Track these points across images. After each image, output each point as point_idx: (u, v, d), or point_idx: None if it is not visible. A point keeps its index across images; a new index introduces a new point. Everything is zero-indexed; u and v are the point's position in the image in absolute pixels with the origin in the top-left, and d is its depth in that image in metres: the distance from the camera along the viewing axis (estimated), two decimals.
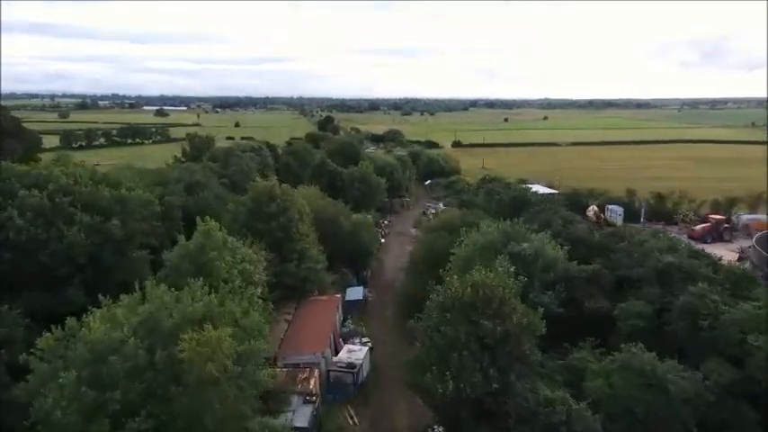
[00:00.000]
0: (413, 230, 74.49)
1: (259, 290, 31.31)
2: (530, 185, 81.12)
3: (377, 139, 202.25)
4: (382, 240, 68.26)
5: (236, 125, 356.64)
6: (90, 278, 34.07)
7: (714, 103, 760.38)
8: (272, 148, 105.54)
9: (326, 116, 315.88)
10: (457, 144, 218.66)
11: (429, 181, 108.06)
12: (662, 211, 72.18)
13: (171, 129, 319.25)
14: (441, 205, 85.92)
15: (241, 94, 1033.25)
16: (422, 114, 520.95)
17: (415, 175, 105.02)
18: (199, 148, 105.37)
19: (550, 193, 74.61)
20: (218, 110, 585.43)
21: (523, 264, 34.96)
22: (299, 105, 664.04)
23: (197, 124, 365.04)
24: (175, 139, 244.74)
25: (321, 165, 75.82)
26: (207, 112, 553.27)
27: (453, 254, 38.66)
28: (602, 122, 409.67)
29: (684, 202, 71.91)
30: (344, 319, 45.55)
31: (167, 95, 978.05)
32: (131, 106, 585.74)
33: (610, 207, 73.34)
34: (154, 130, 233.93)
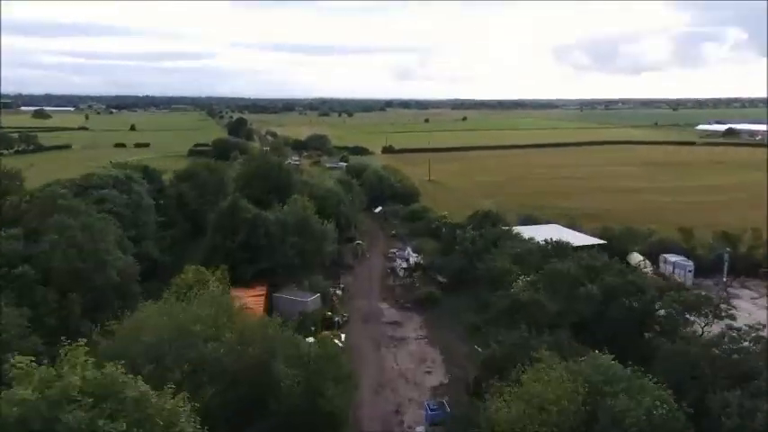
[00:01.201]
0: (384, 307, 46.32)
1: None
2: (538, 225, 56.47)
3: (299, 147, 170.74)
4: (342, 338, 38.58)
5: (132, 128, 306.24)
6: None
7: (608, 104, 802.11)
8: (153, 177, 66.92)
9: (238, 118, 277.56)
10: (389, 149, 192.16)
11: (380, 208, 79.42)
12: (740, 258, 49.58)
13: (48, 134, 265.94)
14: (410, 252, 58.35)
15: (142, 92, 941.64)
16: (339, 115, 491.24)
17: (360, 200, 75.63)
18: None
19: (589, 244, 49.45)
20: (113, 110, 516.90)
21: None
22: (208, 106, 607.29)
23: (83, 128, 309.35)
24: (50, 148, 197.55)
25: (232, 210, 45.20)
26: (99, 113, 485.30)
27: None
28: (518, 122, 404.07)
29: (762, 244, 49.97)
30: None
31: (54, 94, 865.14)
32: (6, 106, 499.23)
33: (672, 259, 50.13)
34: (17, 136, 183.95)
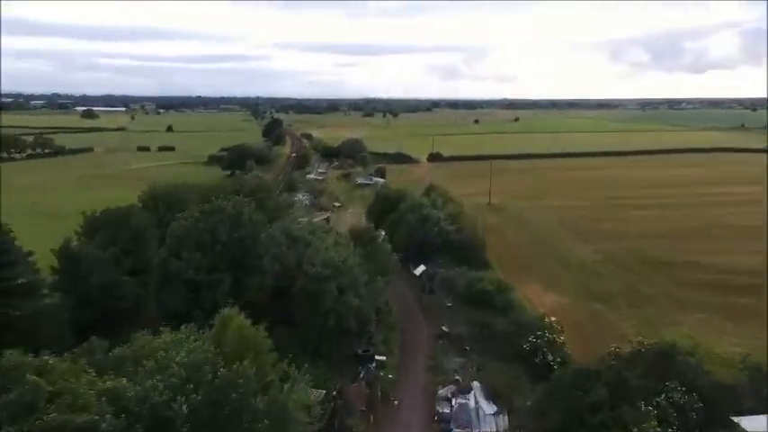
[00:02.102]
0: None
1: None
2: None
3: (330, 154, 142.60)
4: None
5: (169, 129, 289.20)
6: None
7: (671, 104, 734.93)
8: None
9: (272, 119, 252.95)
10: (435, 157, 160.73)
11: (422, 268, 47.94)
12: None
13: (85, 135, 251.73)
14: (483, 407, 27.65)
15: (195, 93, 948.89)
16: (384, 116, 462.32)
17: (389, 262, 43.75)
18: None
19: None
20: (161, 111, 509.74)
21: None
22: (254, 106, 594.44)
23: (121, 128, 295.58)
24: (70, 152, 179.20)
25: None
26: (147, 113, 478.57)
27: None
28: (577, 124, 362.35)
29: None
30: None
31: (114, 95, 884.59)
32: (61, 107, 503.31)
33: None
34: (31, 140, 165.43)
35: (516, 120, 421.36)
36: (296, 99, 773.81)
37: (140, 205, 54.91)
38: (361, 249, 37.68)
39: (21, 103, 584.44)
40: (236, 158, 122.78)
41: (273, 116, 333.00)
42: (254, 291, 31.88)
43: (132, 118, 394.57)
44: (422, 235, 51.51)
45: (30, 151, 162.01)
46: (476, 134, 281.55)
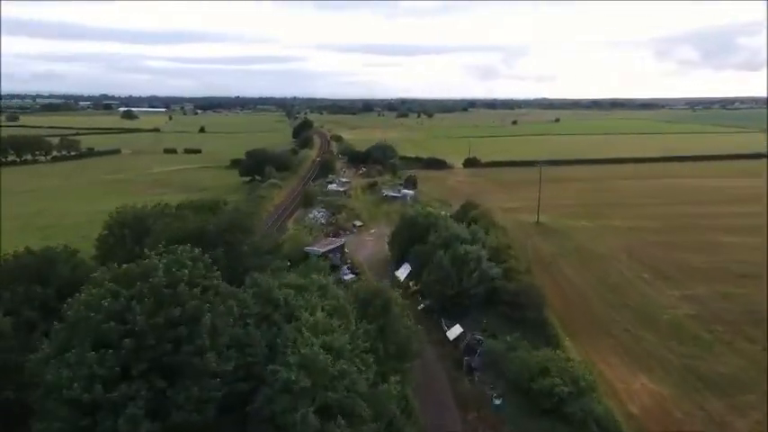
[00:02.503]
0: None
1: None
2: None
3: (358, 158, 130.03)
4: None
5: (201, 130, 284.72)
6: None
7: (723, 103, 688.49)
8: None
9: (302, 121, 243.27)
10: (472, 162, 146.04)
11: (458, 330, 33.00)
12: None
13: (117, 136, 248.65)
14: None
15: (234, 93, 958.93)
16: (419, 116, 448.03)
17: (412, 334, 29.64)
18: None
19: None
20: (198, 111, 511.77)
21: None
22: (290, 106, 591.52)
23: (156, 129, 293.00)
24: (97, 153, 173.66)
25: None
26: (185, 113, 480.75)
27: None
28: (624, 124, 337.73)
29: None
30: None
31: (158, 96, 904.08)
32: (105, 108, 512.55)
33: None
34: (58, 141, 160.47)
35: (557, 120, 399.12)
36: (331, 99, 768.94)
37: (106, 232, 43.94)
38: (368, 323, 25.02)
39: (69, 104, 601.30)
40: (254, 164, 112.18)
41: (305, 117, 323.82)
42: (190, 408, 19.53)
43: (170, 119, 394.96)
44: (457, 280, 38.27)
45: (55, 153, 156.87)
46: (515, 136, 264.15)
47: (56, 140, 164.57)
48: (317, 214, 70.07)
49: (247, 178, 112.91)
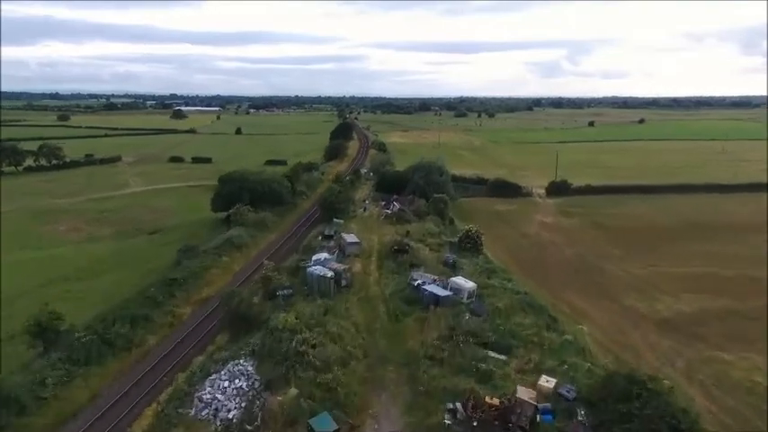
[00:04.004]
0: None
1: None
2: None
3: (391, 185, 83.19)
4: None
5: (237, 131, 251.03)
6: None
7: None
8: None
9: (341, 123, 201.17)
10: (559, 188, 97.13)
11: None
12: None
13: (146, 137, 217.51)
14: None
15: (294, 93, 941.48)
16: (479, 116, 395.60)
17: None
18: None
19: None
20: (251, 110, 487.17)
21: None
22: (345, 105, 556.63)
23: (192, 131, 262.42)
24: (93, 161, 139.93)
25: None
26: (236, 113, 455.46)
27: None
28: (729, 128, 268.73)
29: None
30: None
31: (223, 95, 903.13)
32: (165, 107, 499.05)
33: None
34: (38, 148, 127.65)
35: (641, 121, 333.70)
36: (387, 98, 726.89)
37: None
38: None
39: (137, 103, 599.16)
40: (232, 193, 70.65)
41: (347, 118, 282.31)
42: None
43: (217, 118, 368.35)
44: None
45: (29, 163, 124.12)
46: (597, 142, 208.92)
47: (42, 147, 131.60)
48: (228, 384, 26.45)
49: (225, 213, 71.30)
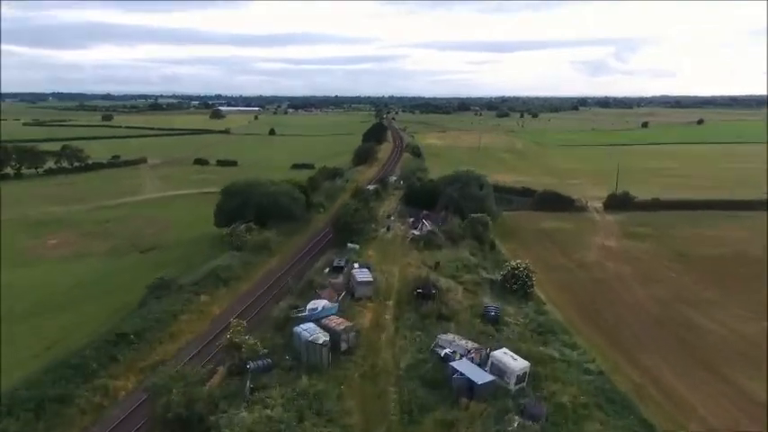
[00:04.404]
0: None
1: None
2: None
3: (420, 200, 70.58)
4: None
5: (271, 132, 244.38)
6: None
7: None
8: None
9: (375, 124, 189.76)
10: (620, 202, 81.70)
11: None
12: None
13: (174, 137, 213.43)
14: None
15: (334, 93, 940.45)
16: (521, 116, 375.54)
17: None
18: None
19: None
20: (290, 111, 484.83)
21: None
22: (383, 105, 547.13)
23: (226, 131, 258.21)
24: (118, 164, 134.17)
25: None
26: (275, 113, 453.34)
27: None
28: None
29: None
30: None
31: (266, 95, 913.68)
32: (207, 107, 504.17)
33: None
34: (61, 149, 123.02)
35: (700, 122, 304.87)
36: (426, 98, 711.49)
37: None
38: None
39: (182, 104, 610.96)
40: (237, 208, 60.39)
41: (383, 118, 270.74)
42: None
43: (255, 118, 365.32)
44: None
45: (50, 165, 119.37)
46: (655, 144, 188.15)
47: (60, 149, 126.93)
48: None
49: (227, 228, 60.84)
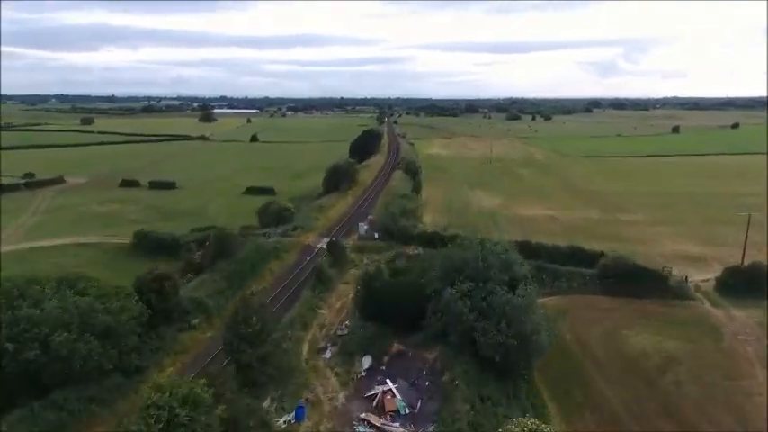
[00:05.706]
0: None
1: None
2: None
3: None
4: None
5: (252, 139, 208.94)
6: None
7: None
8: None
9: (365, 131, 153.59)
10: (748, 281, 43.80)
11: None
12: None
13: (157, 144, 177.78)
14: None
15: (340, 94, 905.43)
16: (533, 118, 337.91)
17: None
18: None
19: None
20: (289, 113, 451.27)
21: None
22: (387, 107, 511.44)
23: (202, 137, 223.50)
24: (30, 184, 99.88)
25: None
26: (272, 116, 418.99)
27: None
28: None
29: None
30: None
31: (272, 97, 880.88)
32: (203, 108, 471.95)
33: None
34: None
35: (735, 126, 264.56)
36: (432, 99, 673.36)
37: None
38: None
39: (182, 106, 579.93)
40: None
41: (384, 121, 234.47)
42: None
43: (248, 121, 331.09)
44: None
45: None
46: (700, 155, 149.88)
47: None
48: None
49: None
